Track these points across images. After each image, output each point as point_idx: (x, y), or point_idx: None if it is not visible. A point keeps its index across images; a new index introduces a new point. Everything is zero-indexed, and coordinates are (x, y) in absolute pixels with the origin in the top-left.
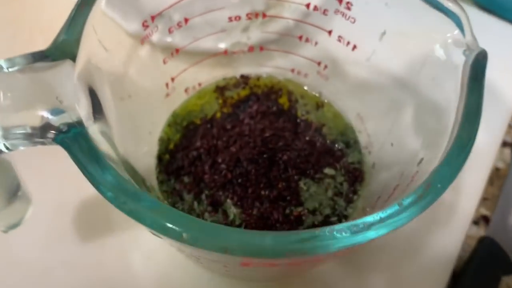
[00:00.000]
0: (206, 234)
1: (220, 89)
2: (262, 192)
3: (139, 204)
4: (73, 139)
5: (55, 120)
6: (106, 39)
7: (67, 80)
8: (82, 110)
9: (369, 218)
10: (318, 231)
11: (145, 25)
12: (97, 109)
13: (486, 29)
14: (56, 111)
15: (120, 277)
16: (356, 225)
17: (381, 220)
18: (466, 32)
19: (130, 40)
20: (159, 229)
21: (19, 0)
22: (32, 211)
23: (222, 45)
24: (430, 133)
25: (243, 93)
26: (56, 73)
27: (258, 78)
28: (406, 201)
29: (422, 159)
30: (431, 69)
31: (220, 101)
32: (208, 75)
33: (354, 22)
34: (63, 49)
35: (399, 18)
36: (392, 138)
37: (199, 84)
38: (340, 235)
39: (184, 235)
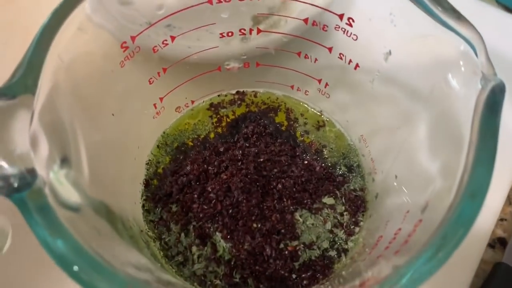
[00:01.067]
0: None
1: (214, 107)
2: (254, 225)
3: (94, 276)
4: (27, 197)
5: (9, 172)
6: (75, 67)
7: (23, 121)
8: (40, 153)
9: None
10: None
11: (123, 47)
12: (62, 148)
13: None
14: (9, 162)
15: None
16: None
17: None
18: (481, 60)
19: (107, 64)
20: None
21: (15, 4)
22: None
23: (216, 61)
24: (436, 173)
25: (239, 111)
26: (11, 116)
27: (255, 94)
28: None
29: (427, 204)
30: (440, 98)
31: (215, 120)
32: (201, 92)
33: (356, 39)
34: (22, 85)
35: (406, 38)
36: (396, 168)
37: (192, 102)
38: None
39: None
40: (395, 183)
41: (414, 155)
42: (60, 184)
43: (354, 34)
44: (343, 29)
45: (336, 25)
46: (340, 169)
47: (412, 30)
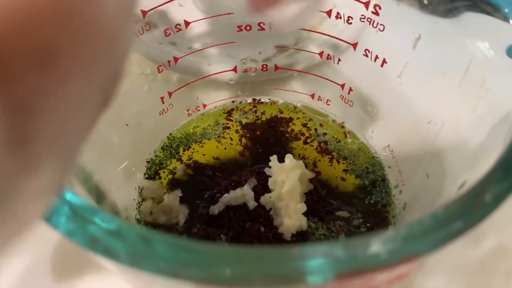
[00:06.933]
0: None
1: (227, 113)
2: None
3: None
4: None
5: None
6: None
7: None
8: None
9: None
10: None
11: None
12: None
13: None
14: None
15: None
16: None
17: None
18: None
19: None
20: None
21: None
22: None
23: (231, 61)
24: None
25: (253, 120)
26: None
27: (272, 103)
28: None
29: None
30: (476, 74)
31: (225, 129)
32: (214, 97)
33: (383, 30)
34: None
35: (437, 17)
36: (428, 167)
37: (204, 106)
38: None
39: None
40: (427, 185)
41: (449, 150)
42: None
43: (381, 24)
44: (369, 19)
45: (362, 15)
46: (362, 183)
47: (442, 7)
